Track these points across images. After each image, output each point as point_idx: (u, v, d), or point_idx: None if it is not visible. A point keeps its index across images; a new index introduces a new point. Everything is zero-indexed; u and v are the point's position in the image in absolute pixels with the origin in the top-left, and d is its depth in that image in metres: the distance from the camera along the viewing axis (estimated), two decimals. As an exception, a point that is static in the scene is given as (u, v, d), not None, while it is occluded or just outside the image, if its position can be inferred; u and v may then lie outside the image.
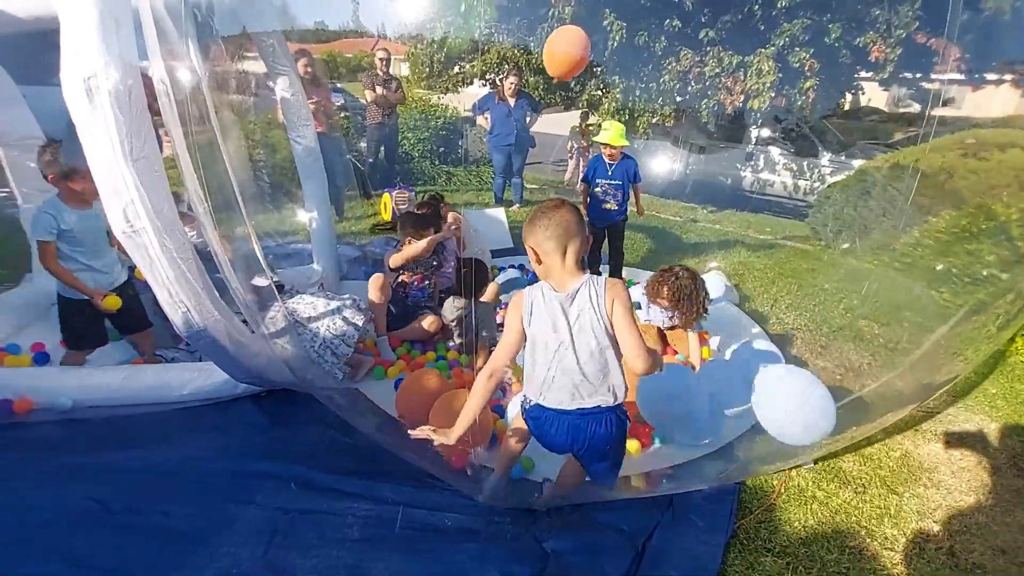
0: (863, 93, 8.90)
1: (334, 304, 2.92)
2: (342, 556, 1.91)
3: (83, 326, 2.71)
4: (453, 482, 2.23)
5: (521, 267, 4.47)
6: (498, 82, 8.41)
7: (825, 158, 7.95)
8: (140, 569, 1.84)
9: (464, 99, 8.74)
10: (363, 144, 6.75)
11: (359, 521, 2.07)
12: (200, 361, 2.80)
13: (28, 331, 3.26)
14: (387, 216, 5.65)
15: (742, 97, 6.99)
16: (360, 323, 2.90)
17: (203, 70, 2.00)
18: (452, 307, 3.15)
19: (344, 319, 2.87)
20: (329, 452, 2.43)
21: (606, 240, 4.15)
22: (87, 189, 2.46)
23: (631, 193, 4.00)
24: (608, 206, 3.95)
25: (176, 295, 2.04)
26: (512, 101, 6.12)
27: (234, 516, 2.06)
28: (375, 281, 3.27)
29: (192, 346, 2.33)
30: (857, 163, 7.41)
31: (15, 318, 3.31)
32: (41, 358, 2.97)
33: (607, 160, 3.88)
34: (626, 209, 4.03)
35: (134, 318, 2.86)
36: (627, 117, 7.52)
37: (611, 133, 3.81)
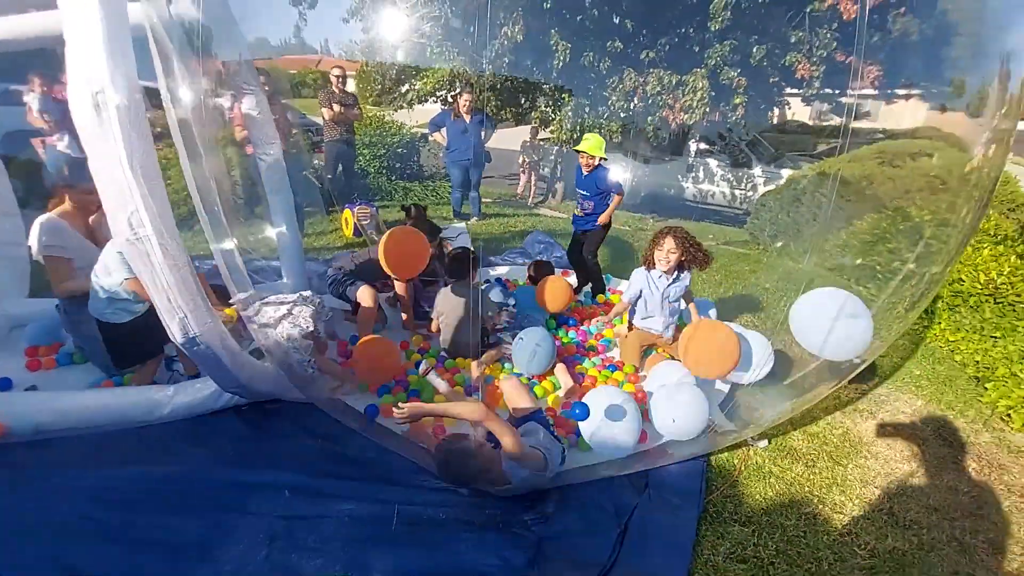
0: (789, 108, 9.63)
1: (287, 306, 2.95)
2: (344, 554, 1.98)
3: (127, 344, 2.71)
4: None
5: (500, 280, 4.50)
6: (449, 99, 8.58)
7: (758, 168, 8.55)
8: None
9: (417, 116, 8.83)
10: (316, 161, 6.74)
11: (356, 521, 2.14)
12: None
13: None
14: (348, 232, 5.67)
15: (682, 114, 7.45)
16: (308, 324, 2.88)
17: (200, 92, 2.07)
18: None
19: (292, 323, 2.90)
20: (318, 459, 2.48)
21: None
22: None
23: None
24: (576, 211, 4.10)
25: (175, 301, 2.10)
26: (468, 118, 6.29)
27: (232, 525, 2.09)
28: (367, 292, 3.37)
29: (187, 352, 2.34)
30: (786, 172, 8.02)
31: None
32: (4, 383, 2.85)
33: (583, 170, 3.96)
34: (596, 219, 4.03)
35: (153, 343, 2.86)
36: (577, 132, 7.84)
37: (590, 143, 3.87)
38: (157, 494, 2.23)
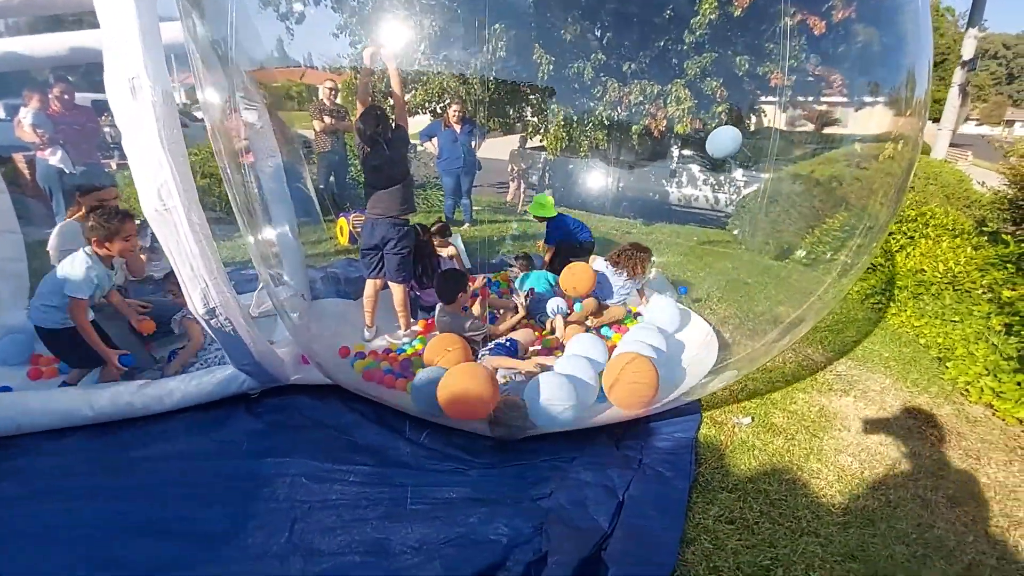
0: (765, 115, 10.01)
1: None
2: (363, 532, 2.12)
3: (82, 349, 2.78)
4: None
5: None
6: (439, 111, 8.79)
7: (738, 172, 8.88)
8: (177, 567, 1.96)
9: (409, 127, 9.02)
10: (304, 172, 6.90)
11: (372, 503, 2.28)
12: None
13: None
14: (344, 240, 5.83)
15: (665, 122, 7.75)
16: None
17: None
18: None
19: None
20: (331, 449, 2.62)
21: None
22: (121, 249, 2.73)
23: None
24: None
25: (198, 270, 2.30)
26: (458, 128, 6.51)
27: (253, 512, 2.22)
28: None
29: (205, 323, 2.50)
30: (765, 176, 8.35)
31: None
32: (5, 391, 2.94)
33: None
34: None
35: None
36: (567, 141, 8.11)
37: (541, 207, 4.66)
38: (178, 488, 2.35)
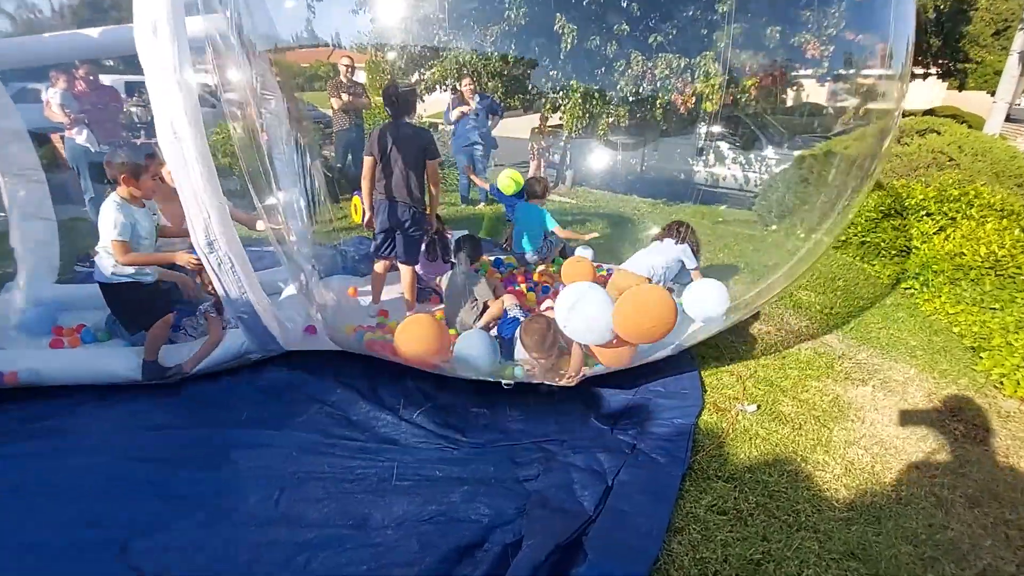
0: (803, 90, 9.49)
1: None
2: (347, 505, 2.13)
3: (142, 305, 2.80)
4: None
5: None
6: (457, 87, 8.66)
7: (769, 151, 8.48)
8: (162, 526, 2.00)
9: (427, 105, 8.92)
10: (325, 152, 6.91)
11: (358, 477, 2.28)
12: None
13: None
14: (358, 218, 5.82)
15: (693, 98, 7.43)
16: None
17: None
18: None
19: None
20: (324, 424, 2.63)
21: None
22: (151, 187, 2.74)
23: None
24: None
25: (202, 201, 2.37)
26: (472, 104, 6.39)
27: (243, 479, 2.27)
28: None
29: (205, 257, 2.54)
30: (798, 154, 7.95)
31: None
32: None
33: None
34: None
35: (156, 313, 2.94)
36: (588, 119, 7.88)
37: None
38: (177, 453, 2.40)
